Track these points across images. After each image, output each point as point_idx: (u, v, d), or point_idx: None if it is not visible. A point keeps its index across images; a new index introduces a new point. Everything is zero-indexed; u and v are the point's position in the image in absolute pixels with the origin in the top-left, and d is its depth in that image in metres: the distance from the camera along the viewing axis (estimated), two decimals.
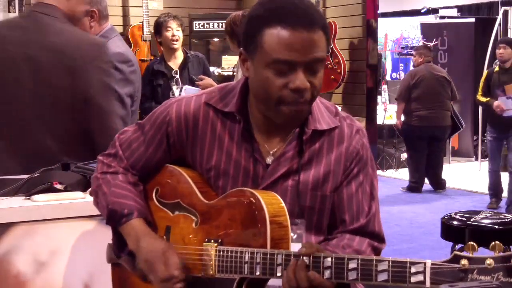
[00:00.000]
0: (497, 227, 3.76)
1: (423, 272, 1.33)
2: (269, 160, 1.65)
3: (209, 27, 6.41)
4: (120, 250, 1.73)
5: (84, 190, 2.35)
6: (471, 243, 1.33)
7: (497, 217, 3.92)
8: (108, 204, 1.71)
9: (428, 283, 1.33)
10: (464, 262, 1.30)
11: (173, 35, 4.87)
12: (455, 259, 1.32)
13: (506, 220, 3.86)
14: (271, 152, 1.66)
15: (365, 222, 1.67)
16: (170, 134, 1.70)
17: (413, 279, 1.34)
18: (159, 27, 4.93)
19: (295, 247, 1.53)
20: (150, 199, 1.76)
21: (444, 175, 8.20)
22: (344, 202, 1.67)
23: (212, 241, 1.58)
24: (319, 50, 1.51)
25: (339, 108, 1.78)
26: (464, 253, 1.32)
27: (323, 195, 1.66)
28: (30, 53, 2.40)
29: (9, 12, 5.73)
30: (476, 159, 9.67)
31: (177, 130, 1.70)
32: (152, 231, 1.68)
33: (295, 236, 1.59)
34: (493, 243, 1.31)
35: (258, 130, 1.66)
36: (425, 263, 1.34)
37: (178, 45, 4.91)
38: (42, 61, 2.39)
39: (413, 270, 1.34)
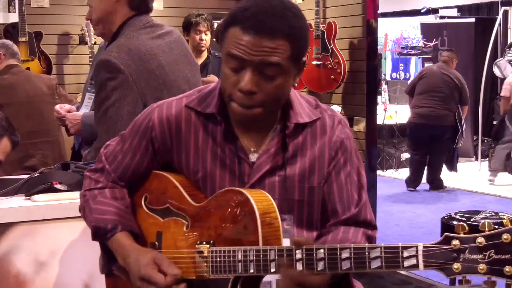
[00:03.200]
0: (497, 227, 3.76)
1: (416, 256, 1.34)
2: (253, 157, 1.66)
3: (212, 29, 6.39)
4: (111, 264, 1.72)
5: None
6: (461, 223, 1.34)
7: (497, 217, 3.92)
8: (92, 222, 1.72)
9: (421, 266, 1.34)
10: (455, 242, 1.31)
11: (201, 39, 4.75)
12: (446, 240, 1.33)
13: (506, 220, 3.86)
14: (255, 150, 1.67)
15: (357, 211, 1.69)
16: (154, 139, 1.71)
17: (406, 263, 1.35)
18: (188, 26, 4.79)
19: (284, 243, 1.53)
20: (139, 207, 1.76)
21: (444, 175, 8.20)
22: (335, 193, 1.68)
23: (204, 242, 1.58)
24: (272, 55, 1.51)
25: (339, 109, 1.78)
26: (455, 234, 1.32)
27: (310, 187, 1.67)
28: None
29: (9, 12, 5.72)
30: (476, 159, 9.67)
31: (160, 135, 1.70)
32: (137, 244, 1.68)
33: (284, 232, 1.59)
34: (482, 221, 1.32)
35: (239, 129, 1.67)
36: (417, 247, 1.35)
37: (204, 48, 4.80)
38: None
39: (405, 254, 1.35)
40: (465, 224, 1.33)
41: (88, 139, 2.81)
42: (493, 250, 1.28)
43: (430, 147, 7.92)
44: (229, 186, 1.64)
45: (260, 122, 1.64)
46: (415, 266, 1.34)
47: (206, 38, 4.79)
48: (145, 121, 1.72)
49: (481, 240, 1.29)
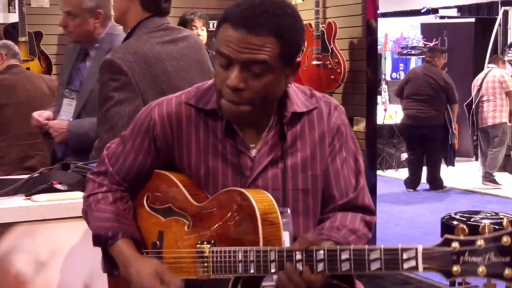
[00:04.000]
0: (497, 227, 3.75)
1: (415, 258, 1.35)
2: (254, 151, 1.67)
3: (209, 27, 6.40)
4: (113, 269, 1.73)
5: (84, 190, 2.35)
6: (461, 225, 1.33)
7: (497, 217, 3.91)
8: (93, 228, 1.74)
9: (420, 268, 1.34)
10: (455, 245, 1.31)
11: (198, 35, 4.78)
12: (446, 242, 1.33)
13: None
14: (254, 146, 1.68)
15: (354, 196, 1.70)
16: (156, 138, 1.71)
17: (406, 265, 1.35)
18: (184, 24, 4.85)
19: (284, 236, 1.54)
20: (141, 206, 1.76)
21: (444, 175, 8.20)
22: (332, 179, 1.69)
23: (205, 242, 1.59)
24: (258, 53, 1.51)
25: (341, 104, 1.78)
26: (454, 236, 1.32)
27: (314, 175, 1.68)
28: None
29: (9, 12, 5.72)
30: (476, 159, 9.66)
31: (162, 133, 1.70)
32: (138, 253, 1.69)
33: (282, 225, 1.59)
34: (483, 223, 1.32)
35: (238, 125, 1.68)
36: (416, 249, 1.35)
37: None
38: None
39: (405, 256, 1.36)
40: (465, 227, 1.32)
41: (76, 148, 2.81)
42: (492, 253, 1.28)
43: (425, 147, 7.95)
44: (231, 181, 1.65)
45: (256, 118, 1.65)
46: (415, 268, 1.34)
47: (202, 33, 4.83)
48: (146, 120, 1.73)
49: (480, 242, 1.29)
